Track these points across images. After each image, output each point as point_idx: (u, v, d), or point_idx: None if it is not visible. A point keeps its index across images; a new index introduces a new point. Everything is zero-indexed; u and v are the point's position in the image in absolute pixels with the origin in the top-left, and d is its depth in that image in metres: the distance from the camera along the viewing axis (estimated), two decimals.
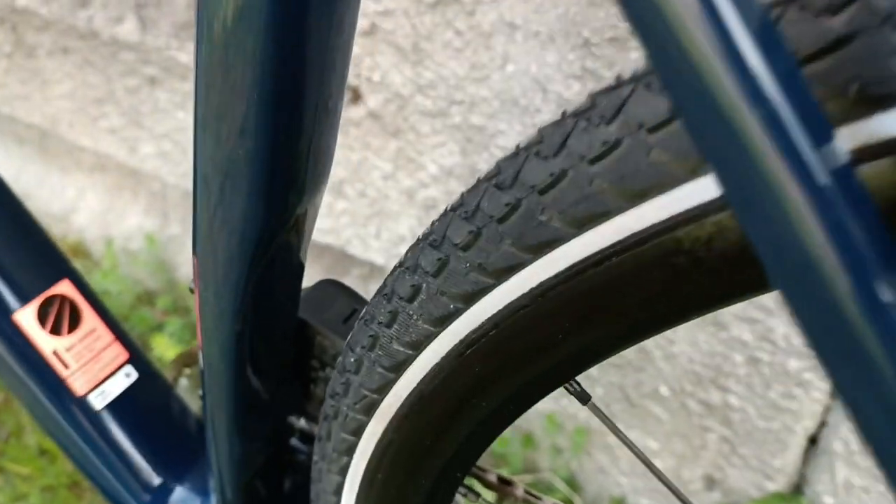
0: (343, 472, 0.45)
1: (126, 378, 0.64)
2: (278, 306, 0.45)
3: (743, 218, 0.20)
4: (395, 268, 0.35)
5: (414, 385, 0.37)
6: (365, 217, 1.06)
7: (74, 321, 0.62)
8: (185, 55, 1.09)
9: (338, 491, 0.47)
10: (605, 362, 0.98)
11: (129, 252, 1.46)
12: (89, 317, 0.63)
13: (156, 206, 1.43)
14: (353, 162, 1.01)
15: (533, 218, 0.28)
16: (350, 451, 0.43)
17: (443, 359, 0.35)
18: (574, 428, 1.11)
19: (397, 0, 0.84)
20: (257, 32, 0.30)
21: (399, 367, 0.36)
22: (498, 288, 0.30)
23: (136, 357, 0.65)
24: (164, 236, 1.42)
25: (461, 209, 0.31)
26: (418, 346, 0.35)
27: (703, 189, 0.24)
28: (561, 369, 0.33)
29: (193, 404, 0.70)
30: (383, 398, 0.39)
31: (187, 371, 0.72)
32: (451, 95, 0.87)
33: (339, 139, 1.00)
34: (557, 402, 1.10)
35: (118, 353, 0.64)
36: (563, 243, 0.27)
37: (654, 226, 0.25)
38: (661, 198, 0.25)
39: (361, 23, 0.88)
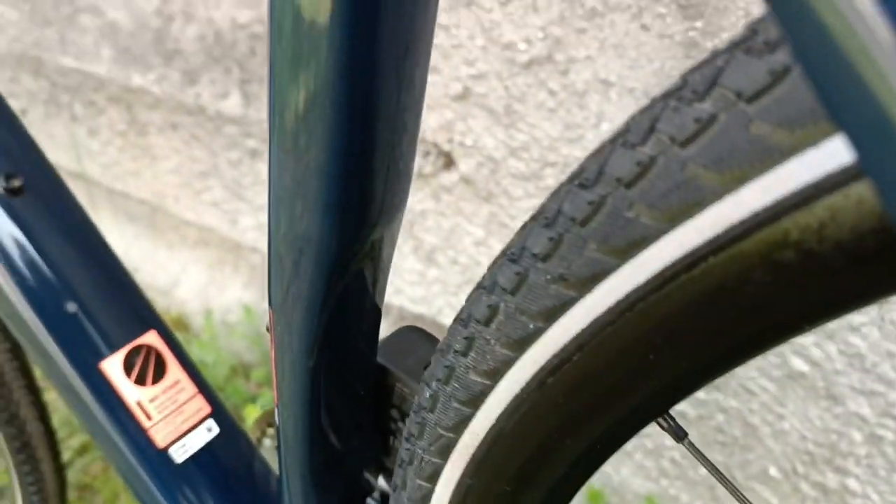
0: None
1: (208, 432, 0.63)
2: (354, 345, 0.43)
3: (886, 192, 0.17)
4: (473, 290, 0.33)
5: (492, 421, 0.34)
6: (457, 285, 1.05)
7: (159, 372, 0.62)
8: None
9: None
10: (709, 439, 0.91)
11: (227, 324, 1.48)
12: (174, 368, 0.63)
13: (255, 280, 1.46)
14: (445, 228, 1.01)
15: (619, 216, 0.25)
16: (426, 500, 0.40)
17: (523, 389, 0.32)
18: None
19: (490, 63, 0.84)
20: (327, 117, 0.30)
21: (476, 401, 0.34)
22: (581, 301, 0.28)
23: (219, 411, 0.64)
24: (261, 309, 1.43)
25: (541, 216, 0.28)
26: (496, 375, 0.32)
27: (812, 165, 0.21)
28: (654, 399, 0.30)
29: (276, 464, 0.68)
30: (459, 437, 0.36)
31: (270, 431, 0.71)
32: (544, 157, 0.86)
33: (431, 205, 0.99)
34: (657, 482, 1.03)
35: (201, 406, 0.63)
36: (652, 242, 0.25)
37: (755, 214, 0.22)
38: (763, 179, 0.22)
39: (454, 87, 0.88)
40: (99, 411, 0.60)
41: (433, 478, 0.39)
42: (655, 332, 0.27)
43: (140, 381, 0.61)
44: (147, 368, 0.62)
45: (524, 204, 0.91)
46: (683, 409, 0.94)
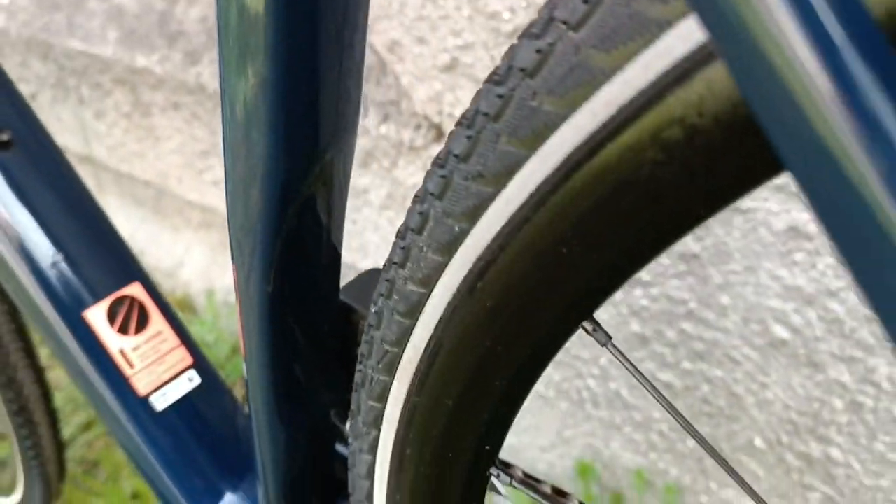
0: (373, 448, 0.43)
1: (189, 382, 0.65)
2: (313, 275, 0.44)
3: (733, 66, 0.18)
4: (411, 204, 0.34)
5: (430, 331, 0.35)
6: None
7: (142, 322, 0.64)
8: None
9: (370, 472, 0.45)
10: (695, 410, 0.92)
11: (228, 305, 1.50)
12: (157, 320, 0.65)
13: None
14: None
15: (525, 106, 0.26)
16: (377, 421, 0.41)
17: (454, 296, 0.33)
18: (664, 485, 1.04)
19: (476, 33, 0.85)
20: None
21: (414, 311, 0.35)
22: (498, 198, 0.29)
23: (201, 363, 0.66)
24: None
25: (463, 119, 0.30)
26: (430, 283, 0.33)
27: (686, 37, 0.22)
28: (578, 299, 0.31)
29: None
30: (403, 351, 0.37)
31: None
32: None
33: (422, 178, 1.01)
34: (646, 456, 1.04)
35: (182, 357, 0.65)
36: (555, 130, 0.26)
37: (641, 92, 0.23)
38: (645, 55, 0.23)
39: (442, 58, 0.89)
40: (83, 359, 0.62)
41: (382, 397, 0.40)
42: (568, 227, 0.28)
43: (123, 330, 0.63)
44: (130, 318, 0.64)
45: None
46: (669, 380, 0.95)
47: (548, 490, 0.47)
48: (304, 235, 0.41)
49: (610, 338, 0.33)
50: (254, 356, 0.48)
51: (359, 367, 0.42)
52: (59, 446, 1.06)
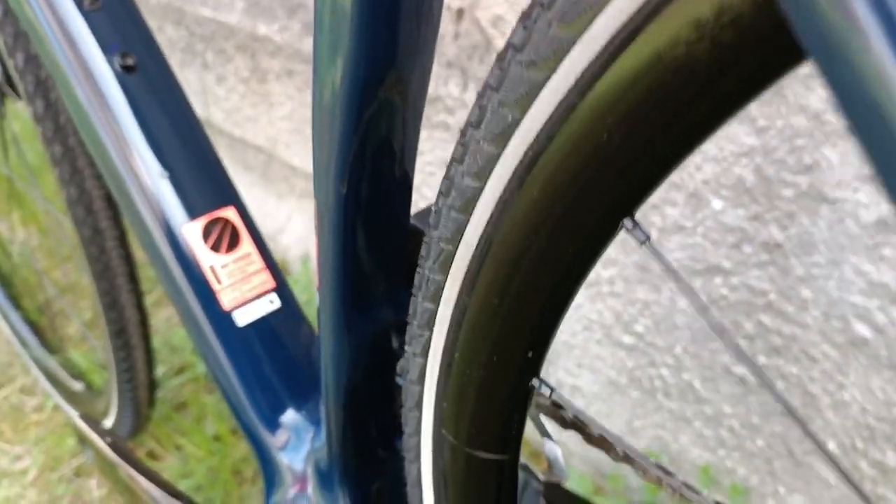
0: (424, 351, 0.46)
1: (270, 304, 0.69)
2: (386, 185, 0.47)
3: None
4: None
5: (482, 227, 0.37)
6: None
7: (233, 243, 0.69)
8: None
9: (420, 377, 0.47)
10: (769, 408, 0.91)
11: None
12: (247, 243, 0.69)
13: None
14: None
15: None
16: (430, 323, 0.44)
17: (505, 189, 0.35)
18: (731, 484, 1.02)
19: None
20: None
21: (468, 206, 0.37)
22: (547, 85, 0.31)
23: (283, 288, 0.70)
24: None
25: (523, 13, 0.32)
26: (483, 175, 0.36)
27: None
28: (619, 193, 0.33)
29: None
30: (456, 249, 0.40)
31: None
32: None
33: None
34: (714, 453, 1.03)
35: (266, 279, 0.69)
36: (599, 13, 0.28)
37: None
38: None
39: None
40: (177, 270, 0.67)
41: (436, 297, 0.43)
42: (610, 112, 0.30)
43: (215, 248, 0.68)
44: (223, 238, 0.69)
45: None
46: (743, 374, 0.94)
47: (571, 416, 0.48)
48: (379, 142, 0.44)
49: (648, 237, 0.34)
50: (326, 267, 0.51)
51: (418, 270, 0.44)
52: (152, 381, 1.13)
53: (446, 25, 1.05)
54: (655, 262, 0.96)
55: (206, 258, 0.67)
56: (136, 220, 0.68)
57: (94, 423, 0.87)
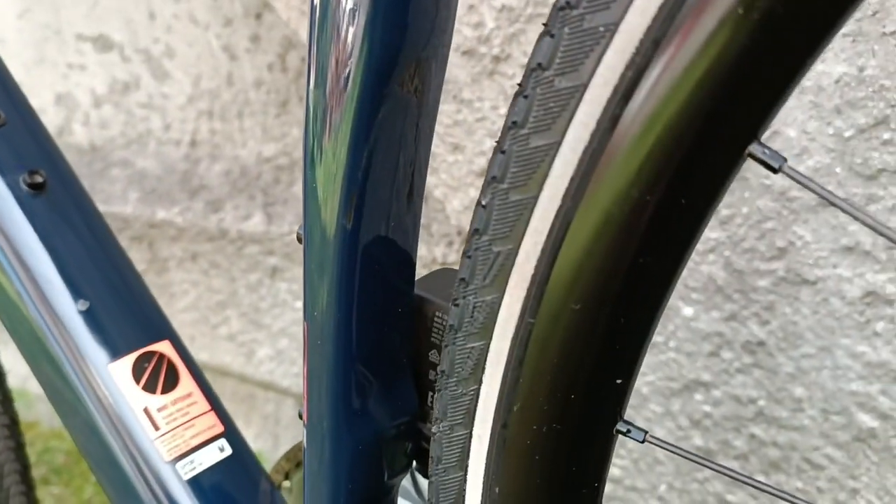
0: (469, 420, 0.36)
1: (219, 451, 0.56)
2: (397, 220, 0.39)
3: None
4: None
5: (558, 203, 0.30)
6: None
7: (171, 382, 0.57)
8: None
9: (461, 461, 0.37)
10: None
11: None
12: (187, 380, 0.58)
13: (267, 430, 1.39)
14: None
15: None
16: (477, 372, 0.34)
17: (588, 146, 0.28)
18: None
19: None
20: None
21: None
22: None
23: (232, 433, 0.58)
24: (272, 457, 1.35)
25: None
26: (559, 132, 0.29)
27: None
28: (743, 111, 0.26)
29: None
30: (518, 247, 0.31)
31: (287, 481, 0.63)
32: None
33: None
34: None
35: (213, 423, 0.57)
36: None
37: None
38: None
39: (479, 162, 0.88)
40: (102, 420, 0.55)
41: (485, 332, 0.34)
42: None
43: (149, 388, 0.56)
44: (158, 376, 0.57)
45: None
46: (743, 501, 0.84)
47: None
48: (391, 153, 0.37)
49: (785, 160, 0.27)
50: (319, 371, 0.41)
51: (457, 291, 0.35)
52: None
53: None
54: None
55: (138, 401, 0.55)
56: (47, 367, 0.56)
57: None
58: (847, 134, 0.67)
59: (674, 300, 0.81)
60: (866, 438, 0.75)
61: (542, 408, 0.33)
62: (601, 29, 0.27)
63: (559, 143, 0.29)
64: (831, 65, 0.66)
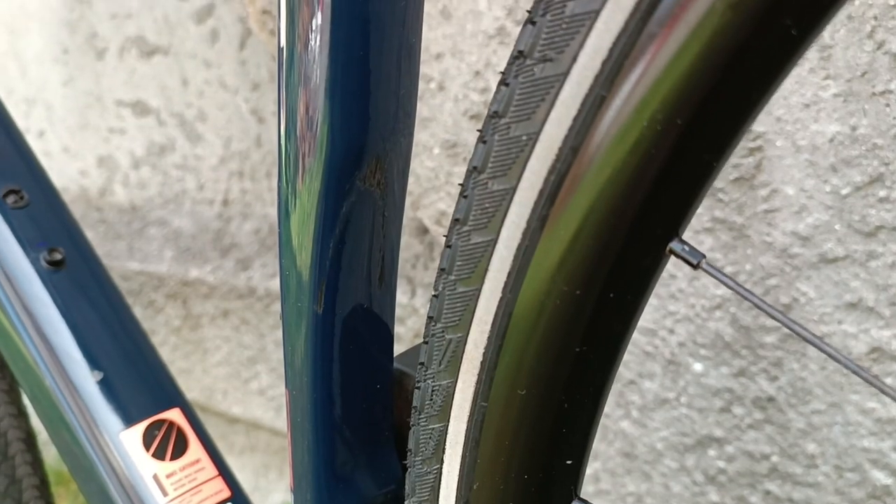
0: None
1: None
2: (370, 303, 0.41)
3: None
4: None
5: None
6: None
7: (180, 449, 0.59)
8: None
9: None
10: None
11: None
12: (195, 447, 0.60)
13: None
14: None
15: None
16: (438, 452, 0.36)
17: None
18: None
19: None
20: None
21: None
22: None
23: (240, 497, 0.60)
24: None
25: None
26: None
27: None
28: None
29: None
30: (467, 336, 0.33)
31: None
32: None
33: None
34: None
35: (220, 489, 0.59)
36: None
37: None
38: None
39: None
40: (114, 485, 0.57)
41: (443, 413, 0.35)
42: None
43: (159, 455, 0.58)
44: (167, 443, 0.59)
45: None
46: None
47: None
48: (358, 244, 0.39)
49: (703, 256, 0.29)
50: (302, 443, 0.43)
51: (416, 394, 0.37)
52: None
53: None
54: (639, 444, 0.89)
55: (148, 467, 0.57)
56: (64, 434, 0.59)
57: None
58: (844, 192, 0.67)
59: (683, 356, 0.82)
60: (881, 496, 0.74)
61: (500, 487, 0.35)
62: (524, 137, 0.29)
63: (495, 241, 0.31)
64: (824, 124, 0.67)
